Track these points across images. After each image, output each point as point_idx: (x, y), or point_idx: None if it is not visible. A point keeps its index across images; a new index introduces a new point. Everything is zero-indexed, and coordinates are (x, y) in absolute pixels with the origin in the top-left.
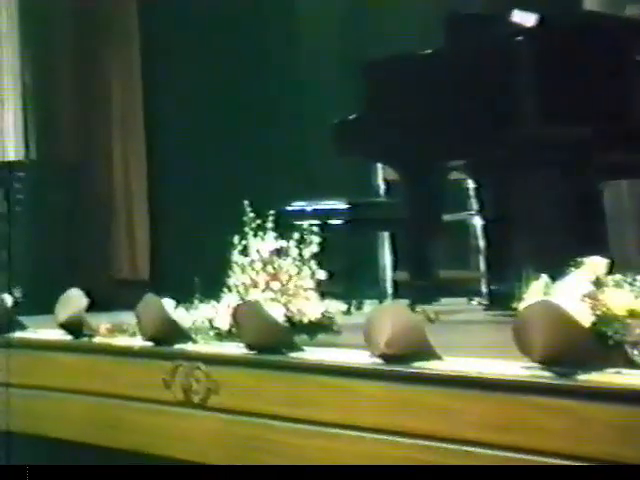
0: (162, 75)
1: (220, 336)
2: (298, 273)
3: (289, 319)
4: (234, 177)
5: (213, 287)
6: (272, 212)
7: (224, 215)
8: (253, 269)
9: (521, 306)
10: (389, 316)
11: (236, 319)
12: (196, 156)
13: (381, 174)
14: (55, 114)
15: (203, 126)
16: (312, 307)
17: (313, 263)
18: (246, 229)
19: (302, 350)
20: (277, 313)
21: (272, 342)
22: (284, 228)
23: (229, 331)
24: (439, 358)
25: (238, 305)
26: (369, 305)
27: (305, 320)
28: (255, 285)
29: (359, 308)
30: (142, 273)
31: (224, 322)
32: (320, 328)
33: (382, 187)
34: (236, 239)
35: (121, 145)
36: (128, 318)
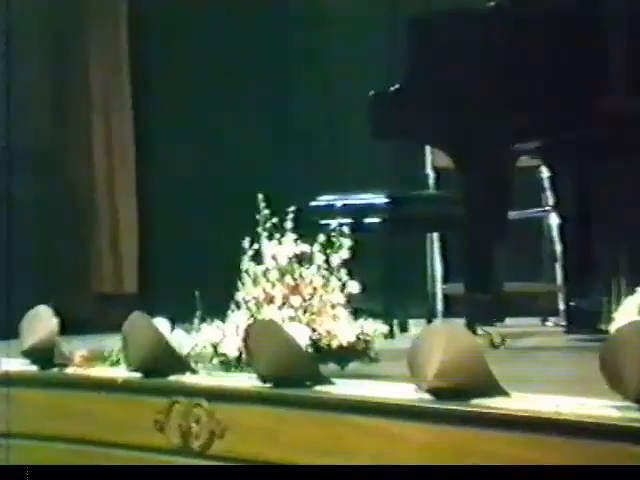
0: (154, 59)
1: (227, 365)
2: (325, 285)
3: (314, 343)
4: (244, 166)
5: (218, 303)
6: (292, 209)
7: (231, 213)
8: (268, 280)
9: (611, 328)
10: (440, 340)
11: (247, 343)
12: (196, 144)
13: (430, 161)
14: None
15: (203, 107)
16: (343, 328)
17: (343, 272)
18: (259, 230)
19: (331, 383)
20: (299, 335)
21: (293, 372)
22: (307, 229)
23: (238, 359)
24: (505, 394)
25: (249, 326)
26: (415, 326)
27: (334, 344)
28: (270, 300)
29: (402, 330)
30: (129, 285)
31: (232, 347)
32: (353, 355)
33: (431, 177)
34: (246, 243)
35: (104, 134)
36: (111, 342)
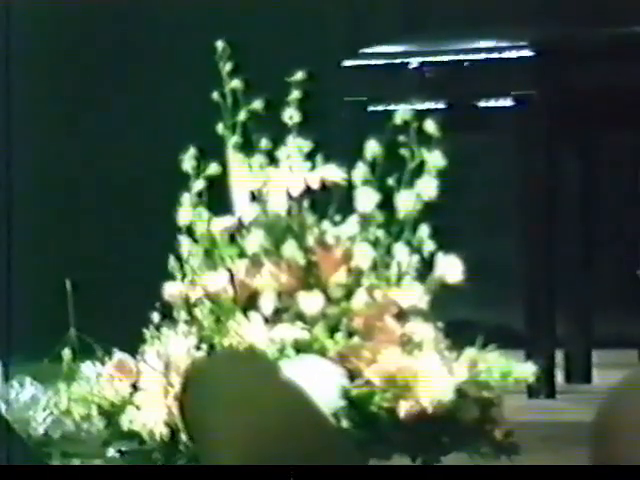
0: None
1: (137, 457)
2: (382, 261)
3: (354, 404)
4: None
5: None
6: (300, 74)
7: None
8: (239, 252)
9: None
10: None
11: (186, 406)
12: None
13: None
14: None
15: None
16: (426, 365)
17: (424, 232)
18: (221, 128)
19: None
20: (322, 386)
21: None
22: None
23: (168, 442)
24: None
25: (192, 365)
26: (604, 368)
27: (405, 407)
28: (251, 297)
29: (574, 376)
30: None
31: (150, 415)
32: (452, 432)
33: None
34: (187, 162)
35: None
36: None
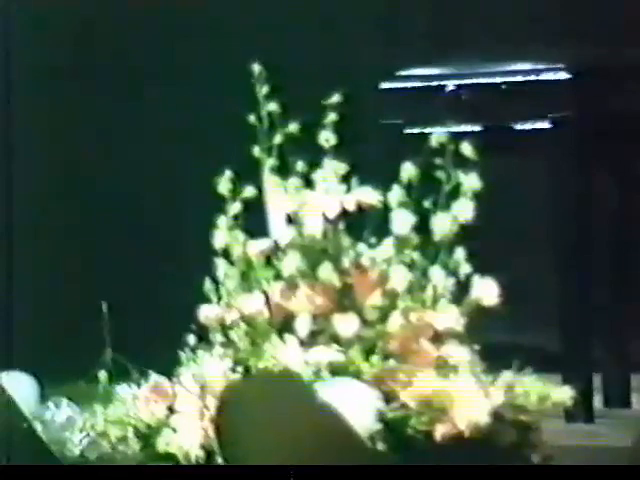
0: None
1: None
2: (418, 284)
3: (390, 427)
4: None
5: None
6: (335, 97)
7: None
8: (275, 275)
9: None
10: None
11: (222, 426)
12: None
13: None
14: None
15: None
16: (461, 388)
17: (460, 254)
18: (257, 152)
19: None
20: (359, 410)
21: None
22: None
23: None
24: None
25: (229, 386)
26: None
27: (441, 430)
28: (285, 321)
29: (612, 401)
30: None
31: (188, 437)
32: (491, 454)
33: None
34: (224, 186)
35: None
36: None
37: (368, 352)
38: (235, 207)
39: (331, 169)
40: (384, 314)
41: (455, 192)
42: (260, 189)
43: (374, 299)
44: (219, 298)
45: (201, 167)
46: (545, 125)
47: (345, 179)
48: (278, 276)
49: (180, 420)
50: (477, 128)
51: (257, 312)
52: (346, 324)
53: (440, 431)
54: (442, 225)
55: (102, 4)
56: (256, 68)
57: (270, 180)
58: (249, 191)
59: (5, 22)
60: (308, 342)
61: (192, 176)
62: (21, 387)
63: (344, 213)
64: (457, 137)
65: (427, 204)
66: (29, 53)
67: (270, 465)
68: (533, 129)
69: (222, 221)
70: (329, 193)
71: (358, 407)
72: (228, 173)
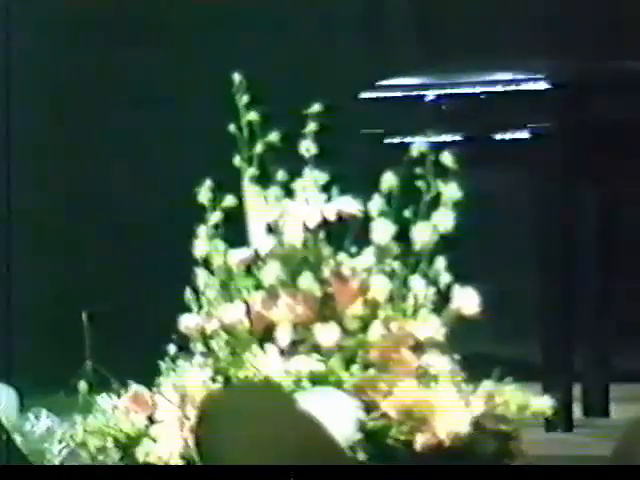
0: None
1: None
2: (399, 292)
3: (371, 435)
4: None
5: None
6: (316, 106)
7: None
8: (254, 284)
9: None
10: None
11: (201, 437)
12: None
13: None
14: None
15: None
16: (442, 397)
17: (440, 264)
18: (238, 162)
19: None
20: (340, 419)
21: None
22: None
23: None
24: None
25: (208, 396)
26: (621, 403)
27: (422, 440)
28: (266, 330)
29: (592, 410)
30: None
31: (166, 446)
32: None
33: None
34: (204, 195)
35: None
36: None
37: (349, 361)
38: (215, 216)
39: (311, 178)
40: (365, 323)
41: (435, 202)
42: (240, 198)
43: (355, 308)
44: (199, 307)
45: (181, 176)
46: (525, 135)
47: (325, 188)
48: (258, 285)
49: (160, 430)
50: (457, 138)
51: (237, 321)
52: (327, 333)
53: (420, 440)
54: (422, 235)
55: (85, 15)
56: (236, 78)
57: (250, 189)
58: (229, 200)
59: (5, 26)
60: (289, 351)
61: (172, 185)
62: (0, 398)
63: (324, 222)
64: (437, 147)
65: (407, 214)
66: (28, 64)
67: (270, 465)
68: (513, 139)
69: (202, 230)
70: (309, 202)
71: (339, 416)
72: (208, 182)
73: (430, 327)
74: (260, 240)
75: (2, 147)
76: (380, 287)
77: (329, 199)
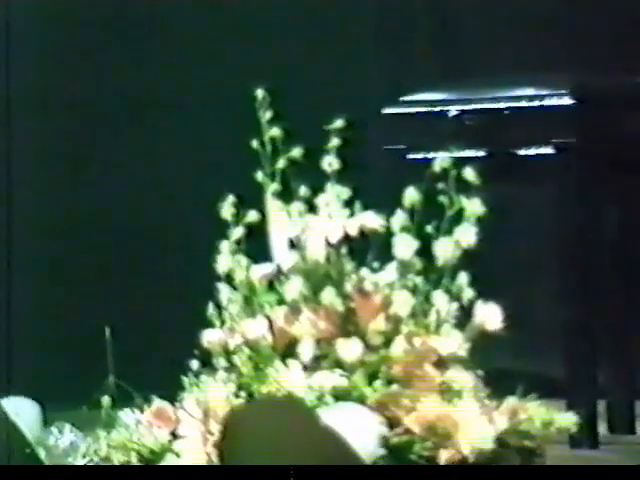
0: None
1: None
2: (422, 309)
3: (394, 451)
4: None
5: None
6: (339, 122)
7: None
8: (278, 300)
9: None
10: None
11: (224, 449)
12: None
13: None
14: None
15: None
16: (465, 414)
17: (463, 279)
18: (261, 177)
19: None
20: (362, 435)
21: None
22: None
23: None
24: None
25: (232, 411)
26: None
27: (445, 456)
28: (288, 345)
29: (618, 427)
30: None
31: (191, 456)
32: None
33: None
34: (227, 211)
35: None
36: None
37: (371, 377)
38: (238, 232)
39: (334, 194)
40: (387, 339)
41: (458, 217)
42: (263, 214)
43: (377, 324)
44: (222, 323)
45: (204, 192)
46: (549, 151)
47: (348, 204)
48: (281, 301)
49: (183, 445)
50: (480, 153)
51: (260, 337)
52: (349, 349)
53: (444, 456)
54: (445, 250)
55: (104, 29)
56: (259, 93)
57: (273, 205)
58: (252, 216)
59: (5, 30)
60: (311, 367)
61: (195, 201)
62: (24, 412)
63: (347, 238)
64: (460, 162)
65: (430, 229)
66: (28, 73)
67: (270, 465)
68: (537, 155)
69: (225, 246)
70: (332, 218)
71: (361, 432)
72: (231, 198)
73: (453, 342)
74: (282, 255)
75: (32, 154)
76: (403, 302)
77: (352, 214)
